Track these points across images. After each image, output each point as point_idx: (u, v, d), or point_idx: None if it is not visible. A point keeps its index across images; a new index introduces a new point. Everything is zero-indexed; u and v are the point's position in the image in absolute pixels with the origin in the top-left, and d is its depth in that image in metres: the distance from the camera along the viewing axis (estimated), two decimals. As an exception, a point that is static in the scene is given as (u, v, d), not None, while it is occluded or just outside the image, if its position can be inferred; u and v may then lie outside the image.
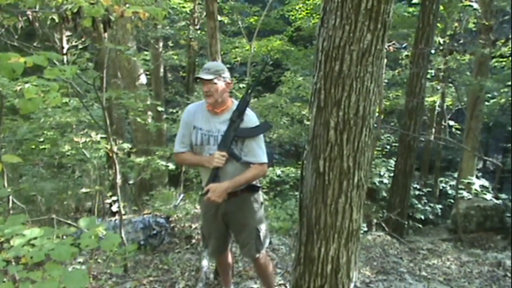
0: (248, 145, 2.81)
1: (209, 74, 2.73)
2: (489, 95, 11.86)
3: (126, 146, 5.47)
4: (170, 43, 13.30)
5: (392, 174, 8.42)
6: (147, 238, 5.01)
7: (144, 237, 4.99)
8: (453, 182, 11.77)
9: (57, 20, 3.66)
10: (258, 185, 3.02)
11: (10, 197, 3.26)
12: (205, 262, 4.29)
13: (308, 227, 2.39)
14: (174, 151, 3.07)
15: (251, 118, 2.83)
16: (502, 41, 8.99)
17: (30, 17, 4.10)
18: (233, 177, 2.78)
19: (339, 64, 2.11)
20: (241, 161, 2.81)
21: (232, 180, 2.76)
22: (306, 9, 13.06)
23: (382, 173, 9.58)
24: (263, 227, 3.06)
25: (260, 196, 3.07)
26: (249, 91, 2.86)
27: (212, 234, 3.10)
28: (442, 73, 10.22)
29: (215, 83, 2.74)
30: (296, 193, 8.05)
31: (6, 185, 2.93)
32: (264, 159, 2.84)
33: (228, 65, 13.04)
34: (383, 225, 7.01)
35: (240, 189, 2.86)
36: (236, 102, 2.87)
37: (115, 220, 5.11)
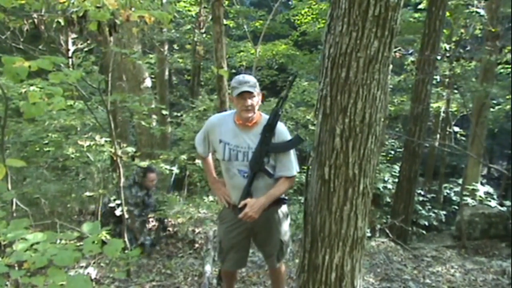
0: (281, 159, 2.74)
1: (251, 87, 2.61)
2: (495, 102, 11.80)
3: (130, 149, 5.46)
4: (175, 46, 13.32)
5: (396, 180, 8.36)
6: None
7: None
8: (458, 189, 11.71)
9: (62, 23, 3.67)
10: (286, 197, 2.95)
11: (14, 200, 3.25)
12: (208, 267, 4.28)
13: (313, 234, 2.37)
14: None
15: (282, 132, 2.74)
16: (509, 47, 8.94)
17: (36, 20, 4.11)
18: (264, 191, 2.70)
19: (346, 71, 2.10)
20: (274, 177, 2.75)
21: (267, 195, 2.68)
22: (312, 14, 13.09)
23: (386, 179, 9.53)
24: (287, 238, 3.02)
25: (286, 207, 3.01)
26: (280, 104, 2.74)
27: (234, 248, 3.01)
28: (447, 79, 10.18)
29: (256, 97, 2.65)
30: (300, 197, 8.02)
31: (10, 188, 2.92)
32: (295, 171, 2.78)
33: (233, 69, 13.12)
34: (387, 231, 6.96)
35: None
36: (264, 115, 2.78)
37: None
